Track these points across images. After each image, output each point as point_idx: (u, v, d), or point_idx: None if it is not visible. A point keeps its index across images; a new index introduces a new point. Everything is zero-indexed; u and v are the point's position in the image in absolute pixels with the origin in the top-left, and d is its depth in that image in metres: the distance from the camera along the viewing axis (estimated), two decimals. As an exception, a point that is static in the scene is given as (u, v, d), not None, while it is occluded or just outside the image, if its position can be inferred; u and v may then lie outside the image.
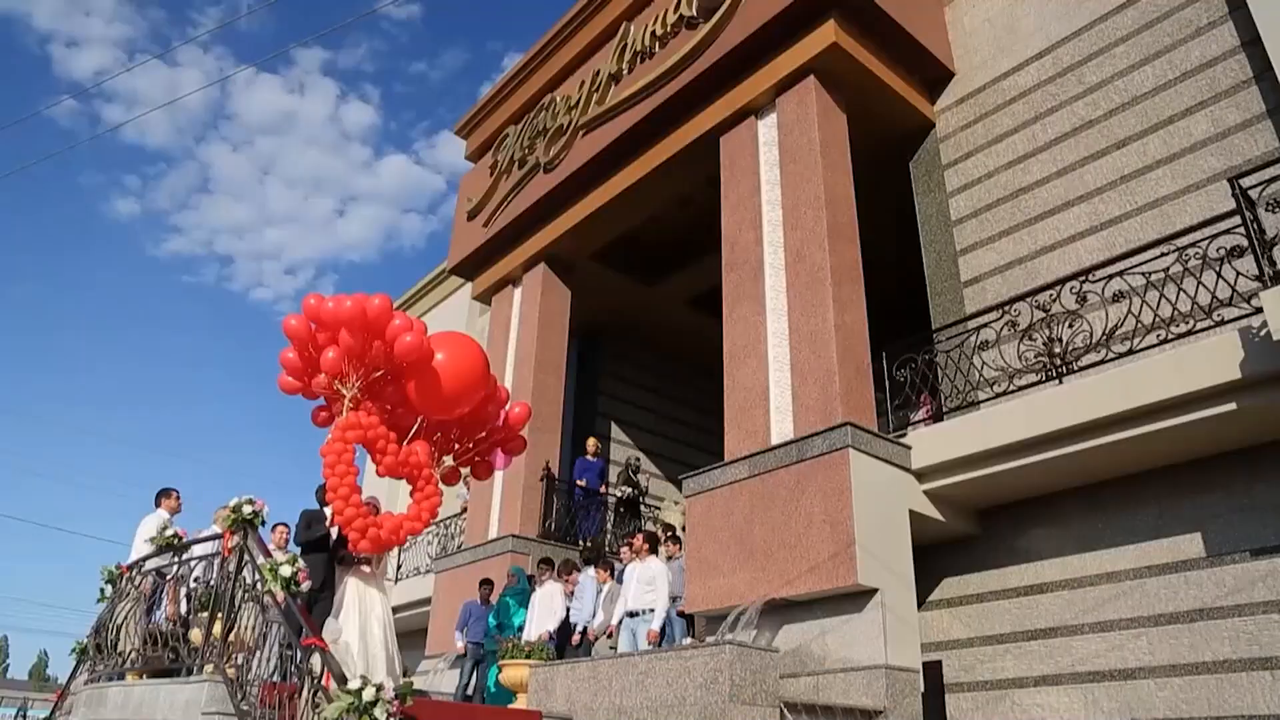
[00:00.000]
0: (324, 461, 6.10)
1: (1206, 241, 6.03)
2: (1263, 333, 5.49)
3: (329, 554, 7.17)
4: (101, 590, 7.94)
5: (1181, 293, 6.16)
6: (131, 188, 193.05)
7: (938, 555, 7.73)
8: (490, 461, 7.25)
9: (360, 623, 6.28)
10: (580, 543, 11.03)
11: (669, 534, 8.94)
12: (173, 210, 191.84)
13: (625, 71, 10.76)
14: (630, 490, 11.56)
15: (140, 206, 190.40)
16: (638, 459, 12.42)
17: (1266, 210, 5.69)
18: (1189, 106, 7.44)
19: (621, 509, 11.45)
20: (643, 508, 12.00)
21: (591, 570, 8.97)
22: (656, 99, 10.12)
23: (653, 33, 10.35)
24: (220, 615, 6.37)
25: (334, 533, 7.28)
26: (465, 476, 14.06)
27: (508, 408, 7.14)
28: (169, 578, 7.53)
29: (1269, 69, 6.83)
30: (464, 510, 12.71)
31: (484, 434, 7.07)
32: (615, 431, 14.40)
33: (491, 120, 13.55)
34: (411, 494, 6.71)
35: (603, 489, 11.89)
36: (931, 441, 7.30)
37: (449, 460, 7.00)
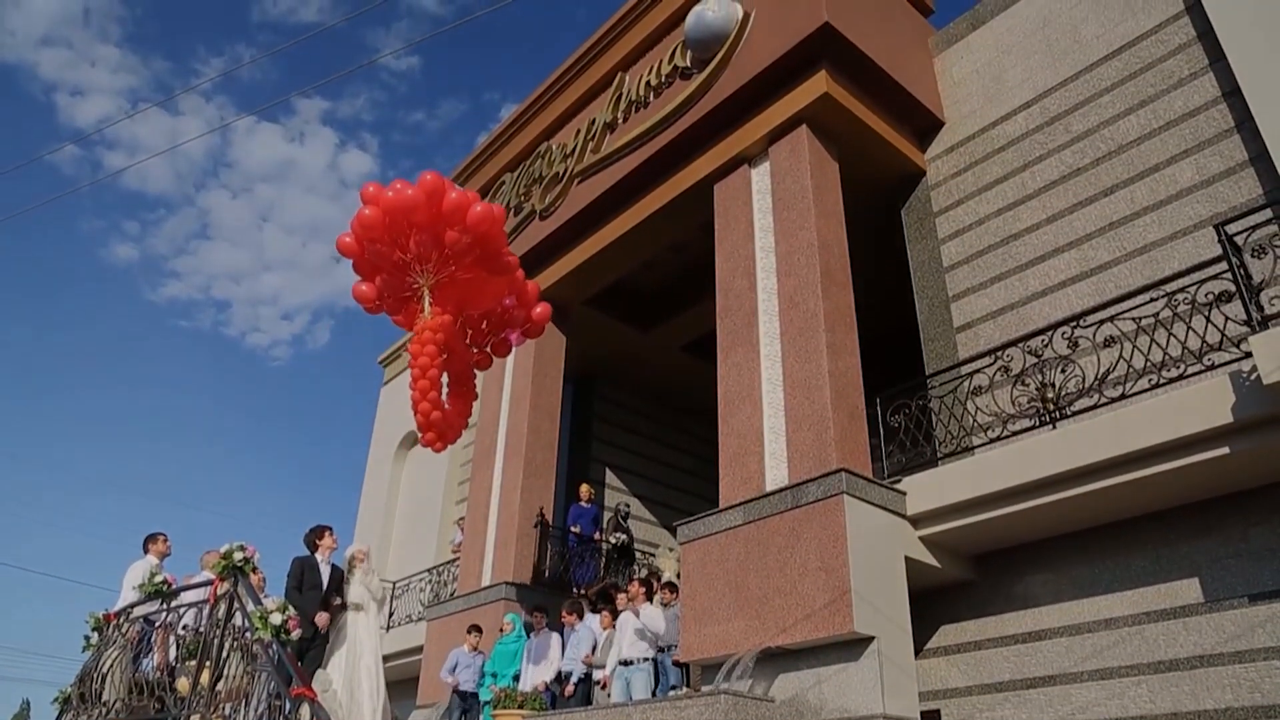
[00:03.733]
0: (412, 361, 6.25)
1: (1195, 287, 6.09)
2: (1253, 377, 5.52)
3: (322, 602, 7.09)
4: (87, 638, 7.83)
5: (1172, 337, 6.21)
6: (131, 233, 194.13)
7: (935, 602, 7.66)
8: (508, 339, 7.37)
9: (347, 671, 6.20)
10: (575, 590, 10.92)
11: (657, 580, 8.86)
12: (171, 255, 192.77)
13: (620, 120, 10.93)
14: (622, 536, 11.48)
15: (139, 252, 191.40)
16: (627, 505, 12.35)
17: (1252, 256, 5.76)
18: (1174, 155, 7.57)
19: (615, 555, 11.36)
20: (636, 554, 11.90)
21: (594, 618, 8.86)
22: (651, 147, 10.27)
23: (647, 83, 10.54)
24: (208, 663, 6.28)
25: (326, 579, 7.22)
26: (459, 520, 13.85)
27: (536, 311, 7.35)
28: (157, 625, 7.43)
29: (1249, 118, 6.98)
30: (457, 556, 12.59)
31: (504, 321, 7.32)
32: (609, 477, 14.35)
33: (488, 168, 13.71)
34: (448, 391, 6.82)
35: (597, 535, 11.81)
36: (926, 487, 7.28)
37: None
